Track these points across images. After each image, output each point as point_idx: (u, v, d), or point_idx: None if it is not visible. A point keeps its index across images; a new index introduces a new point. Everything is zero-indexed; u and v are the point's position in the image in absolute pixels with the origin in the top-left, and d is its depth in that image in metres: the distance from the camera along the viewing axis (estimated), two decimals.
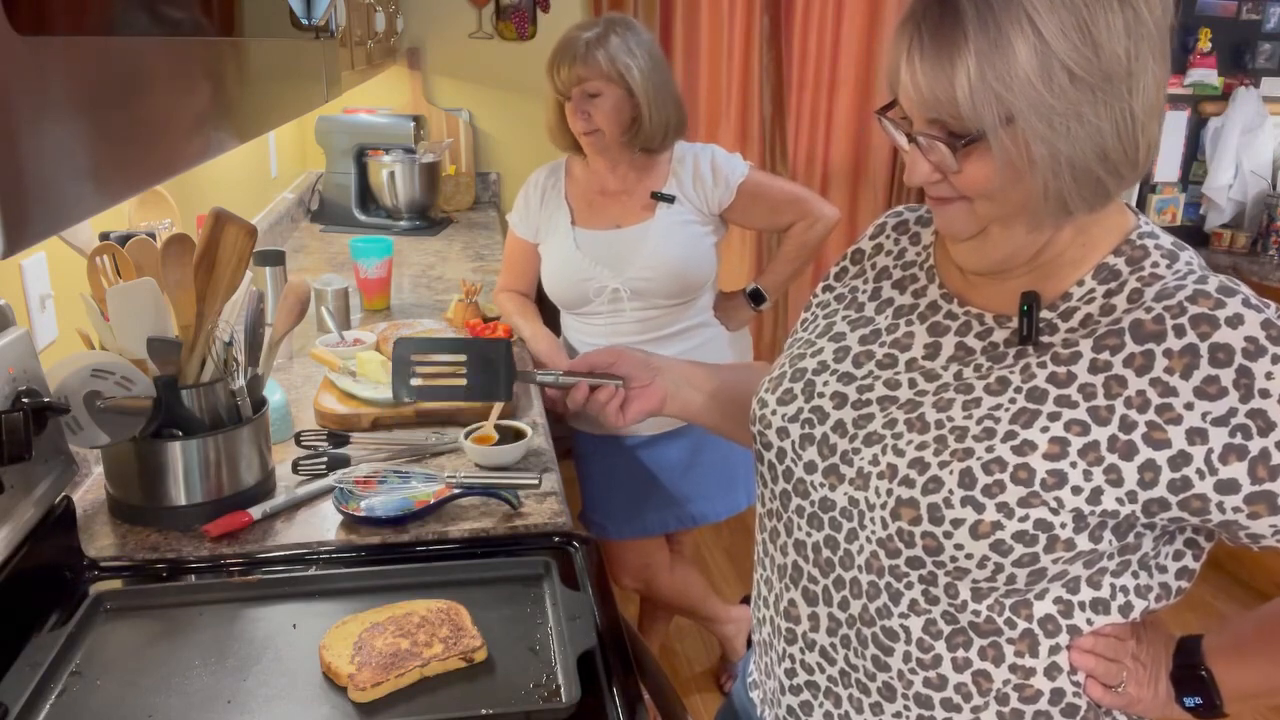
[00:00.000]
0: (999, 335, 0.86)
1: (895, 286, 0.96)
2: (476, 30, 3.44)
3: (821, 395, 0.92)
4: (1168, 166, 3.54)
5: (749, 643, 1.21)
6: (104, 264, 1.24)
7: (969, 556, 0.79)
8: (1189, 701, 0.85)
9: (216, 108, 0.79)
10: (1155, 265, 0.81)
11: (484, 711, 0.93)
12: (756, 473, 1.00)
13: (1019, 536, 0.77)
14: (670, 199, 1.99)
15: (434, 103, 3.48)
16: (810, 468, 0.90)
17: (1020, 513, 0.77)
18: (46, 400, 1.04)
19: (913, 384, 0.88)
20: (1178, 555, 0.85)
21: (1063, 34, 0.72)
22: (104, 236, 1.38)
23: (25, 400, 1.00)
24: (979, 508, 0.78)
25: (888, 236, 1.01)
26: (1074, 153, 0.74)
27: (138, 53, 0.62)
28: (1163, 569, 0.85)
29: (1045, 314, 0.83)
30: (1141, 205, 3.52)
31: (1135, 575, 0.84)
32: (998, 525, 0.77)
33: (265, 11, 0.98)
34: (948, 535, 0.79)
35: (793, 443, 0.92)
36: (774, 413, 0.95)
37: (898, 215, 1.02)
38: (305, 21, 1.17)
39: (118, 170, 0.59)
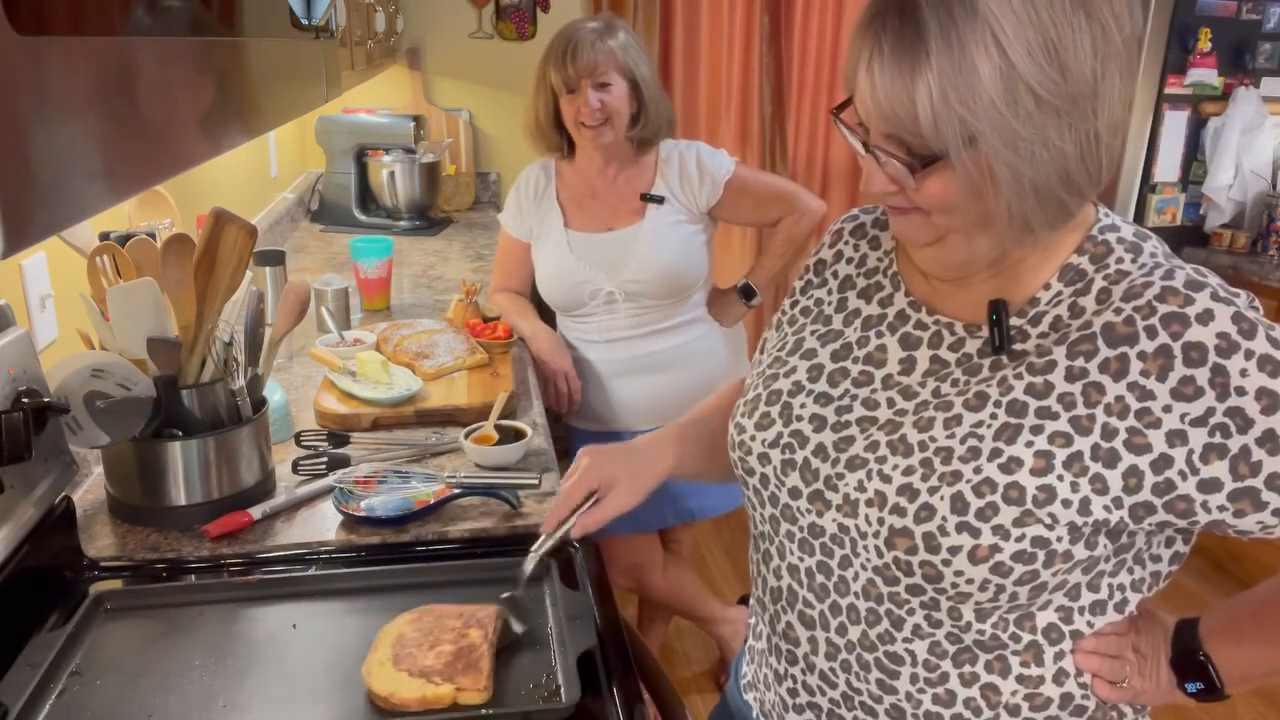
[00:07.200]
0: (971, 346, 0.84)
1: (861, 296, 0.93)
2: (476, 30, 3.44)
3: (800, 418, 0.89)
4: (1168, 166, 3.53)
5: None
6: (104, 264, 1.24)
7: (969, 581, 0.78)
8: (1190, 687, 0.85)
9: (216, 108, 0.79)
10: (1120, 261, 0.80)
11: (484, 711, 0.93)
12: (744, 495, 0.98)
13: (1018, 556, 0.76)
14: (660, 200, 1.99)
15: (434, 103, 3.48)
16: (794, 494, 0.89)
17: (1016, 533, 0.76)
18: (46, 400, 1.04)
19: (891, 403, 0.86)
20: (1169, 542, 0.85)
21: (1029, 55, 0.69)
22: (104, 236, 1.38)
23: (25, 400, 1.00)
24: (975, 533, 0.76)
25: (846, 243, 0.98)
26: (1037, 176, 0.72)
27: (137, 53, 0.62)
28: (1156, 559, 0.85)
29: (1015, 320, 0.81)
30: (1141, 205, 3.52)
31: (1130, 571, 0.84)
32: (995, 549, 0.76)
33: (265, 11, 0.98)
34: (946, 563, 0.78)
35: (774, 469, 0.90)
36: (752, 438, 0.92)
37: (854, 220, 0.99)
38: (305, 21, 1.17)
39: (117, 170, 0.59)
